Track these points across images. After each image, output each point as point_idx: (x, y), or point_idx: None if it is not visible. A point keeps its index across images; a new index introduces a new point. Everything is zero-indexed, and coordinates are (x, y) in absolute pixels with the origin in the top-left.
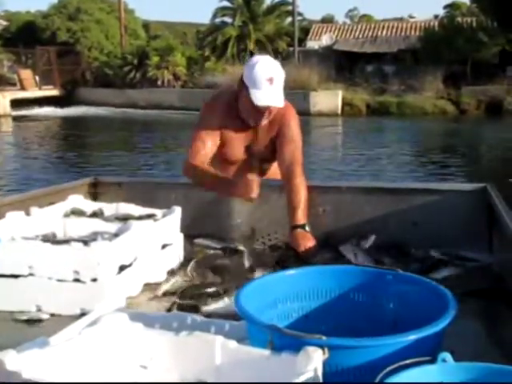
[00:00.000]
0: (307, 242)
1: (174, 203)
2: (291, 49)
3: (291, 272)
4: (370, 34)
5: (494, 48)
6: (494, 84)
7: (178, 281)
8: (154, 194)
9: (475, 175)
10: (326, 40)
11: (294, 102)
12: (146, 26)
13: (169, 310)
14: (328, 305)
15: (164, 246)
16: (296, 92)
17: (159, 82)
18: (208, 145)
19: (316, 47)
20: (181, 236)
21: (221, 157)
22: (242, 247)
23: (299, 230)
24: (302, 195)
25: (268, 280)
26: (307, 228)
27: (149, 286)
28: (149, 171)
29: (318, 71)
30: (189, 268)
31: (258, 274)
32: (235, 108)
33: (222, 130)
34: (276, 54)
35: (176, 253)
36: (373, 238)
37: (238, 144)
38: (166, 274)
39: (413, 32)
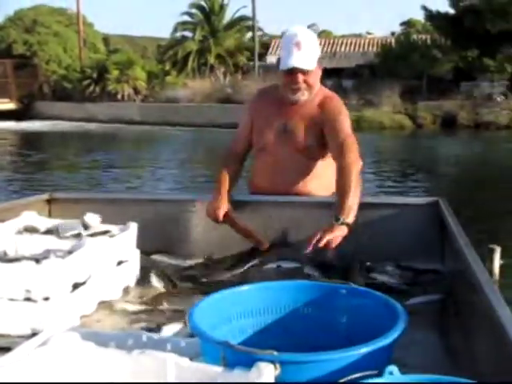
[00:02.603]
0: (335, 236)
1: (130, 219)
2: (251, 63)
3: (246, 287)
4: (330, 49)
5: (447, 64)
6: (448, 99)
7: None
8: (110, 209)
9: (430, 189)
10: None
11: None
12: (106, 39)
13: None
14: (283, 320)
15: (120, 263)
16: None
17: (119, 96)
18: (244, 135)
19: (275, 61)
20: (137, 252)
21: (257, 144)
22: (197, 262)
23: (335, 223)
24: (348, 185)
25: (223, 296)
26: (348, 220)
27: (104, 304)
28: (106, 187)
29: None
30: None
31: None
32: (273, 93)
33: (254, 115)
34: (236, 68)
35: (132, 269)
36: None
37: (270, 128)
38: (122, 292)
39: (371, 48)
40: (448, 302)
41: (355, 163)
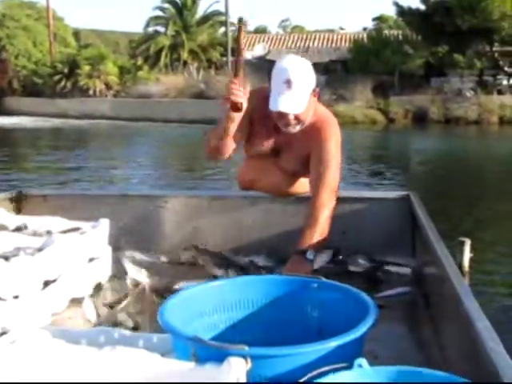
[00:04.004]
0: (297, 270)
1: (102, 216)
2: (224, 59)
3: (218, 283)
4: (302, 44)
5: (418, 60)
6: (419, 94)
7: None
8: (81, 206)
9: (401, 183)
10: (258, 50)
11: None
12: (77, 34)
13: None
14: (255, 315)
15: (91, 260)
16: None
17: (91, 92)
18: (236, 134)
19: (249, 57)
20: (109, 249)
21: (247, 147)
22: (167, 259)
23: (296, 256)
24: (316, 218)
25: (194, 291)
26: (310, 255)
27: (75, 301)
28: (77, 184)
29: (251, 81)
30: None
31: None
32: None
33: (253, 122)
34: (210, 64)
35: (104, 266)
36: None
37: (264, 146)
38: (93, 289)
39: (343, 43)
40: (418, 295)
41: (326, 204)
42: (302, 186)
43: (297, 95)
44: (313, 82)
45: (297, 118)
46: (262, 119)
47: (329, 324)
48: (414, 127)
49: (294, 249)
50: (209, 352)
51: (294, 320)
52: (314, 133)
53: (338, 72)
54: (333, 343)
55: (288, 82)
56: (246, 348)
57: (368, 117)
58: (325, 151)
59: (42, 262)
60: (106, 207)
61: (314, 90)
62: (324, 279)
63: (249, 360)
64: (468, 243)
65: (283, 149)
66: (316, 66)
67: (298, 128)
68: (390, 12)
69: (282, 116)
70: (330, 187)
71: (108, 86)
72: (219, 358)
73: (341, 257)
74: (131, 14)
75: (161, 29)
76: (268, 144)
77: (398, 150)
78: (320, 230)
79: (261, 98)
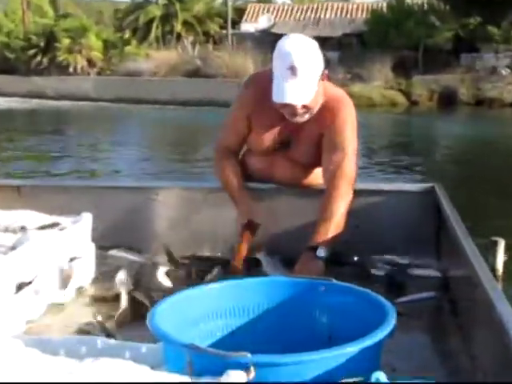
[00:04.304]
0: (306, 270)
1: (84, 210)
2: (224, 32)
3: (215, 286)
4: (313, 16)
5: (446, 33)
6: (447, 73)
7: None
8: (60, 199)
9: (425, 174)
10: (262, 22)
11: (225, 93)
12: (54, 2)
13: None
14: (256, 321)
15: (72, 260)
16: (228, 81)
17: (71, 69)
18: (239, 132)
19: (252, 30)
20: (92, 247)
21: (253, 147)
22: (158, 259)
23: (307, 254)
24: (330, 212)
25: (188, 295)
26: (322, 252)
27: (54, 307)
28: (55, 174)
29: (254, 57)
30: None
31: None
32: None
33: (254, 116)
34: (207, 37)
35: (86, 267)
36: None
37: (271, 140)
38: (75, 293)
39: (359, 14)
40: (443, 301)
41: (343, 196)
42: (316, 177)
43: (303, 83)
44: (320, 65)
45: (305, 106)
46: (265, 109)
47: (340, 331)
48: (441, 110)
49: (305, 246)
50: (207, 361)
51: (300, 326)
52: (325, 115)
53: (353, 47)
54: (347, 350)
55: (292, 69)
56: (249, 355)
57: (387, 98)
58: (339, 136)
59: (16, 262)
60: (88, 200)
61: (322, 74)
62: (334, 281)
63: (252, 369)
64: (502, 243)
65: (292, 139)
66: (328, 40)
67: (306, 117)
68: None
69: (288, 106)
70: (347, 177)
71: (91, 63)
72: (218, 368)
73: (356, 257)
74: None
75: None
76: (274, 137)
77: (422, 136)
78: (335, 226)
79: (262, 85)
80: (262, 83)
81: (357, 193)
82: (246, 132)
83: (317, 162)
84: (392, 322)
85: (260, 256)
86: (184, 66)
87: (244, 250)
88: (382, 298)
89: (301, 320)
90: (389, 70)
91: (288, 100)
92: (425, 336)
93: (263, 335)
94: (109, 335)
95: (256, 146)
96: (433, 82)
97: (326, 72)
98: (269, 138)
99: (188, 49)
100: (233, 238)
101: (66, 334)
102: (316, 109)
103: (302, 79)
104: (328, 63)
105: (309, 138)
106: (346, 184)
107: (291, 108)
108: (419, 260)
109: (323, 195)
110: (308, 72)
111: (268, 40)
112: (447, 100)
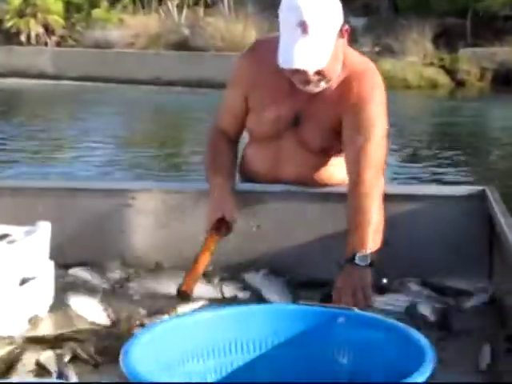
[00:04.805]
0: (350, 286)
1: (41, 218)
2: None
3: (206, 315)
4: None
5: None
6: (503, 45)
7: None
8: (10, 204)
9: (475, 174)
10: None
11: (221, 70)
12: None
13: None
14: (260, 360)
15: (24, 281)
16: (225, 55)
17: (22, 38)
18: (234, 110)
19: None
20: (50, 265)
21: (254, 131)
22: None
23: (348, 265)
24: (363, 211)
25: (171, 328)
26: (360, 260)
27: (1, 342)
28: (4, 171)
29: (257, 25)
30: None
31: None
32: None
33: (253, 92)
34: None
35: (43, 290)
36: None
37: (275, 117)
38: (28, 323)
39: None
40: (499, 335)
41: (374, 189)
42: (333, 171)
43: (316, 43)
44: (339, 19)
45: (319, 73)
46: (268, 83)
47: (364, 372)
48: (495, 93)
49: (342, 258)
50: None
51: (314, 368)
52: (346, 89)
53: (383, 12)
54: None
55: (303, 25)
56: None
57: (426, 78)
58: (364, 114)
59: None
60: (46, 205)
61: (340, 30)
62: (357, 310)
63: None
64: None
65: (302, 117)
66: (350, 3)
67: (322, 85)
68: None
69: (299, 72)
70: (376, 165)
71: (48, 30)
72: None
73: (385, 280)
74: None
75: None
76: (279, 116)
77: (470, 126)
78: (373, 226)
79: (263, 53)
80: (264, 51)
81: (386, 199)
82: (243, 114)
83: (333, 149)
84: (430, 365)
85: (258, 276)
86: (168, 36)
87: (203, 260)
88: (417, 334)
89: (315, 360)
90: (428, 42)
91: (298, 65)
92: (470, 378)
93: (267, 379)
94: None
95: (257, 129)
96: (485, 57)
97: (347, 27)
98: (272, 117)
99: (173, 14)
100: (232, 255)
101: (16, 375)
102: (334, 76)
103: (315, 38)
104: (353, 33)
105: (322, 117)
106: (373, 173)
107: (303, 75)
108: (466, 283)
109: (350, 191)
110: (322, 28)
111: (275, 2)
112: (503, 79)
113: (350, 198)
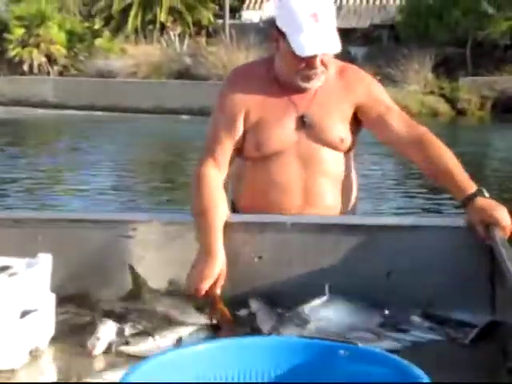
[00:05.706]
0: (503, 210)
1: (42, 250)
2: (220, 22)
3: (199, 348)
4: (333, 1)
5: (503, 24)
6: (503, 74)
7: None
8: (11, 236)
9: None
10: (269, 9)
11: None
12: None
13: None
14: None
15: (25, 314)
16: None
17: (25, 67)
18: (227, 141)
19: (255, 20)
20: (51, 298)
21: (257, 152)
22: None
23: (479, 197)
24: (452, 157)
25: (167, 361)
26: (486, 193)
27: (2, 375)
28: (5, 203)
29: (258, 54)
30: None
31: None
32: (264, 75)
33: (254, 109)
34: (199, 29)
35: (44, 323)
36: (324, 297)
37: (280, 127)
38: (28, 356)
39: (391, 1)
40: (501, 368)
41: (434, 136)
42: (347, 185)
43: (329, 29)
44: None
45: (323, 62)
46: (265, 96)
47: None
48: (495, 122)
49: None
50: None
51: None
52: (346, 81)
53: (384, 42)
54: None
55: (315, 16)
56: None
57: (427, 106)
58: (377, 90)
59: None
60: (47, 237)
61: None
62: (360, 344)
63: None
64: None
65: (314, 112)
66: (351, 33)
67: (321, 79)
68: None
69: (309, 63)
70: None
71: (51, 60)
72: None
73: (386, 311)
74: None
75: None
76: (291, 115)
77: (470, 155)
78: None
79: (249, 73)
80: (247, 73)
81: (387, 229)
82: (240, 138)
83: (348, 141)
84: None
85: (255, 307)
86: (170, 65)
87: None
88: (420, 372)
89: None
90: (428, 71)
91: (320, 49)
92: None
93: None
94: None
95: (261, 145)
96: (485, 86)
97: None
98: (277, 126)
99: (175, 43)
100: (233, 286)
101: None
102: (331, 69)
103: (326, 26)
104: (353, 61)
105: (324, 109)
106: (418, 126)
107: (310, 65)
108: (469, 316)
109: (419, 148)
110: (329, 18)
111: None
112: (504, 108)
113: (427, 152)
